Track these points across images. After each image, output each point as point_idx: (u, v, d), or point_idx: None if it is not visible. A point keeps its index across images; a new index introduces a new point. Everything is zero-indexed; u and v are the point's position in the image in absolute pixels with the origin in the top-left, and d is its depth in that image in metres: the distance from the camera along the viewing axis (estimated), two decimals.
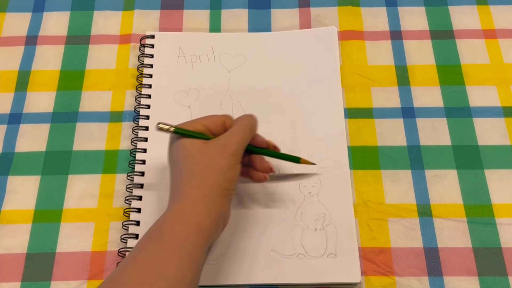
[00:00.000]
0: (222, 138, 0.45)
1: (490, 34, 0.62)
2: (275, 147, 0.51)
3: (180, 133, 0.46)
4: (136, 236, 0.51)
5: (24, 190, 0.54)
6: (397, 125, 0.57)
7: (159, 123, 0.45)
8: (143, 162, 0.54)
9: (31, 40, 0.63)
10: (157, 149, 0.55)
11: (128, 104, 0.59)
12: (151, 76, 0.59)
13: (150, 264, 0.38)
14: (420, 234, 0.51)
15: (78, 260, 0.50)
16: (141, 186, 0.53)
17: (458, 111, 0.58)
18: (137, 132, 0.56)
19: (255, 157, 0.49)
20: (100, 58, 0.62)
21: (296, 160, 0.51)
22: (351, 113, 0.58)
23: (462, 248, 0.51)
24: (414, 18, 0.64)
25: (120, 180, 0.54)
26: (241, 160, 0.46)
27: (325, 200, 0.52)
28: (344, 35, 0.63)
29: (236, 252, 0.50)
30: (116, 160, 0.55)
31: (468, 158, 0.55)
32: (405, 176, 0.54)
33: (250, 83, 0.59)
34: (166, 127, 0.45)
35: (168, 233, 0.40)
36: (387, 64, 0.61)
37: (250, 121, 0.47)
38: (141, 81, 0.59)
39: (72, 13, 0.65)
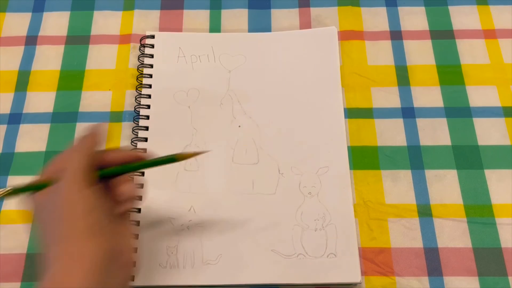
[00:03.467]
0: (56, 185, 0.38)
1: (490, 34, 0.62)
2: (139, 157, 0.41)
3: (17, 192, 0.40)
4: (136, 236, 0.51)
5: None
6: (397, 125, 0.57)
7: None
8: None
9: (31, 40, 0.63)
10: (157, 149, 0.55)
11: (128, 104, 0.59)
12: (151, 76, 0.59)
13: None
14: (420, 234, 0.51)
15: None
16: (141, 185, 0.53)
17: (458, 111, 0.58)
18: (137, 132, 0.56)
19: (113, 182, 0.39)
20: (100, 58, 0.62)
21: (172, 159, 0.41)
22: (351, 113, 0.58)
23: (462, 248, 0.51)
24: (414, 18, 0.64)
25: None
26: (93, 193, 0.37)
27: (325, 200, 0.52)
28: (344, 35, 0.63)
29: (236, 252, 0.50)
30: None
31: (468, 158, 0.55)
32: (405, 176, 0.54)
33: (250, 83, 0.59)
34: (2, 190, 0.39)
35: None
36: (387, 64, 0.61)
37: (81, 148, 0.39)
38: (141, 81, 0.59)
39: (72, 13, 0.65)
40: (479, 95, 0.59)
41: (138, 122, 0.57)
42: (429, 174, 0.54)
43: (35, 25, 0.64)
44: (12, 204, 0.53)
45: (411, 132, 0.57)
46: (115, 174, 0.39)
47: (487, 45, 0.62)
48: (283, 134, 0.56)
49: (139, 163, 0.40)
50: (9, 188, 0.39)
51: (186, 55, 0.61)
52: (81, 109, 0.58)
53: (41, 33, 0.63)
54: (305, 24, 0.64)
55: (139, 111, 0.57)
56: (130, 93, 0.59)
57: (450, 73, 0.60)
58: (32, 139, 0.57)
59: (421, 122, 0.57)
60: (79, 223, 0.35)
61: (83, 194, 0.36)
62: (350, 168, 0.54)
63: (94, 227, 0.35)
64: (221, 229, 0.51)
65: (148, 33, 0.62)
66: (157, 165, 0.41)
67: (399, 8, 0.65)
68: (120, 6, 0.65)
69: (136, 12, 0.65)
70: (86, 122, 0.57)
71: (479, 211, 0.52)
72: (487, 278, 0.49)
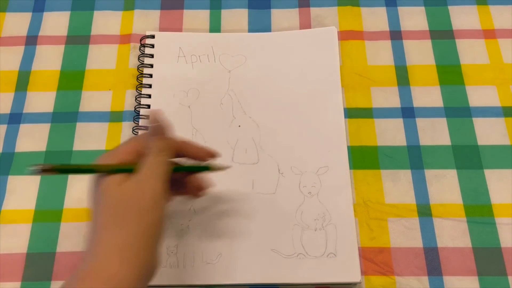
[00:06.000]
0: (138, 174, 0.38)
1: (490, 34, 0.63)
2: (209, 153, 0.44)
3: (67, 170, 0.40)
4: None
5: (24, 190, 0.54)
6: (397, 125, 0.57)
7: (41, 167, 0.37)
8: None
9: (31, 40, 0.63)
10: None
11: (128, 104, 0.59)
12: (151, 76, 0.59)
13: None
14: (420, 234, 0.51)
15: (78, 260, 0.50)
16: None
17: (458, 111, 0.58)
18: (137, 132, 0.56)
19: (184, 174, 0.43)
20: (100, 58, 0.62)
21: (206, 168, 0.45)
22: (351, 113, 0.58)
23: (462, 248, 0.51)
24: (414, 18, 0.64)
25: None
26: (169, 190, 0.40)
27: (325, 200, 0.52)
28: (344, 35, 0.63)
29: (236, 251, 0.50)
30: None
31: (468, 158, 0.55)
32: (405, 176, 0.54)
33: (250, 83, 0.59)
34: (48, 167, 0.37)
35: None
36: (387, 64, 0.61)
37: (160, 143, 0.40)
38: (141, 81, 0.59)
39: (72, 13, 0.65)
40: (479, 95, 0.59)
41: (138, 122, 0.57)
42: (429, 174, 0.54)
43: (35, 25, 0.64)
44: (12, 204, 0.53)
45: (411, 132, 0.57)
46: (186, 171, 0.42)
47: (487, 45, 0.62)
48: (283, 134, 0.56)
49: (207, 166, 0.44)
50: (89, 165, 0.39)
51: (186, 55, 0.61)
52: (81, 109, 0.58)
53: (41, 33, 0.63)
54: (305, 24, 0.64)
55: (139, 111, 0.57)
56: (130, 93, 0.59)
57: (450, 73, 0.60)
58: (32, 139, 0.57)
59: (421, 122, 0.57)
60: (141, 232, 0.37)
61: (158, 212, 0.38)
62: (350, 168, 0.54)
63: (149, 240, 0.37)
64: (221, 229, 0.51)
65: (148, 33, 0.62)
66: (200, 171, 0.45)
67: (399, 8, 0.65)
68: (120, 6, 0.65)
69: (136, 12, 0.65)
70: (86, 122, 0.57)
71: (479, 211, 0.52)
72: (487, 278, 0.49)
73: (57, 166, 0.38)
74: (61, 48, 0.62)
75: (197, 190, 0.43)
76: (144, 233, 0.37)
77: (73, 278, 0.35)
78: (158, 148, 0.40)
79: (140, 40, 0.62)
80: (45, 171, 0.37)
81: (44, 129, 0.57)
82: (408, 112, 0.58)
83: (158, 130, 0.41)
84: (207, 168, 0.45)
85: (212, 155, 0.44)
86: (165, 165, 0.40)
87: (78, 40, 0.63)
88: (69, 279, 0.36)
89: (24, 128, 0.57)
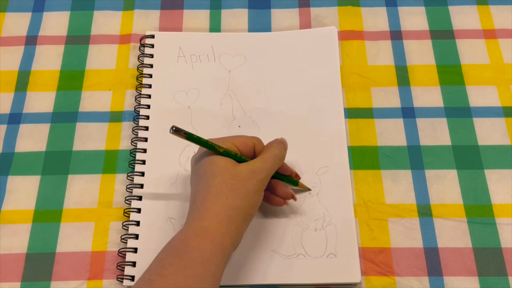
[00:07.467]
0: (253, 163, 0.46)
1: (490, 34, 0.62)
2: (296, 175, 0.51)
3: (212, 148, 0.45)
4: (136, 237, 0.51)
5: (24, 190, 0.54)
6: (397, 125, 0.57)
7: (191, 135, 0.45)
8: (143, 162, 0.54)
9: (31, 40, 0.63)
10: (157, 149, 0.55)
11: (128, 104, 0.59)
12: (151, 76, 0.59)
13: (177, 281, 0.39)
14: (420, 234, 0.51)
15: (78, 260, 0.50)
16: (141, 186, 0.53)
17: (458, 111, 0.58)
18: (137, 132, 0.56)
19: (277, 183, 0.49)
20: (100, 58, 0.62)
21: (295, 183, 0.52)
22: (351, 113, 0.58)
23: (462, 248, 0.51)
24: (414, 18, 0.64)
25: (120, 180, 0.54)
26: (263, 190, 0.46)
27: (325, 200, 0.52)
28: (344, 35, 0.63)
29: (236, 252, 0.50)
30: (116, 160, 0.55)
31: (468, 158, 0.55)
32: (405, 176, 0.54)
33: (250, 83, 0.59)
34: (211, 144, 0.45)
35: (193, 251, 0.40)
36: (387, 64, 0.61)
37: (281, 151, 0.48)
38: (141, 81, 0.59)
39: (72, 13, 0.65)
40: (479, 95, 0.59)
41: (138, 122, 0.57)
42: (429, 174, 0.54)
43: (35, 25, 0.64)
44: (12, 204, 0.53)
45: (411, 132, 0.57)
46: (280, 179, 0.50)
47: (487, 45, 0.62)
48: (283, 134, 0.55)
49: (288, 178, 0.51)
50: (204, 139, 0.46)
51: (186, 55, 0.61)
52: (81, 109, 0.58)
53: (41, 33, 0.63)
54: (305, 24, 0.64)
55: (139, 111, 0.57)
56: (130, 93, 0.59)
57: (450, 73, 0.60)
58: (32, 139, 0.57)
59: (421, 122, 0.57)
60: (244, 207, 0.44)
61: (260, 196, 0.46)
62: (350, 168, 0.54)
63: (247, 216, 0.45)
64: None
65: (148, 33, 0.62)
66: (294, 185, 0.52)
67: (399, 8, 0.65)
68: (120, 6, 0.65)
69: (136, 12, 0.65)
70: (86, 122, 0.57)
71: (479, 211, 0.52)
72: (487, 278, 0.49)
73: (187, 132, 0.45)
74: (61, 48, 0.62)
75: (282, 198, 0.49)
76: (245, 209, 0.44)
77: (189, 234, 0.42)
78: (276, 151, 0.47)
79: (140, 40, 0.62)
80: (176, 132, 0.44)
81: (44, 129, 0.57)
82: (408, 112, 0.58)
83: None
84: (296, 183, 0.51)
85: (299, 177, 0.52)
86: (276, 165, 0.47)
87: (78, 40, 0.63)
88: (185, 233, 0.42)
89: (24, 128, 0.57)
